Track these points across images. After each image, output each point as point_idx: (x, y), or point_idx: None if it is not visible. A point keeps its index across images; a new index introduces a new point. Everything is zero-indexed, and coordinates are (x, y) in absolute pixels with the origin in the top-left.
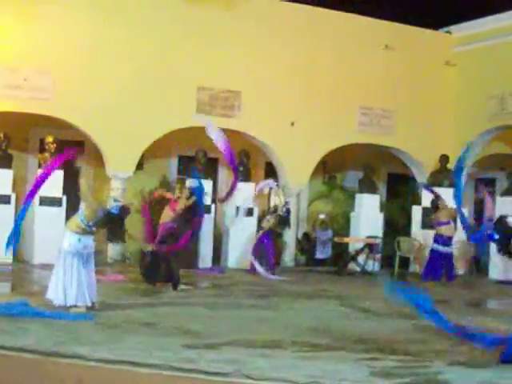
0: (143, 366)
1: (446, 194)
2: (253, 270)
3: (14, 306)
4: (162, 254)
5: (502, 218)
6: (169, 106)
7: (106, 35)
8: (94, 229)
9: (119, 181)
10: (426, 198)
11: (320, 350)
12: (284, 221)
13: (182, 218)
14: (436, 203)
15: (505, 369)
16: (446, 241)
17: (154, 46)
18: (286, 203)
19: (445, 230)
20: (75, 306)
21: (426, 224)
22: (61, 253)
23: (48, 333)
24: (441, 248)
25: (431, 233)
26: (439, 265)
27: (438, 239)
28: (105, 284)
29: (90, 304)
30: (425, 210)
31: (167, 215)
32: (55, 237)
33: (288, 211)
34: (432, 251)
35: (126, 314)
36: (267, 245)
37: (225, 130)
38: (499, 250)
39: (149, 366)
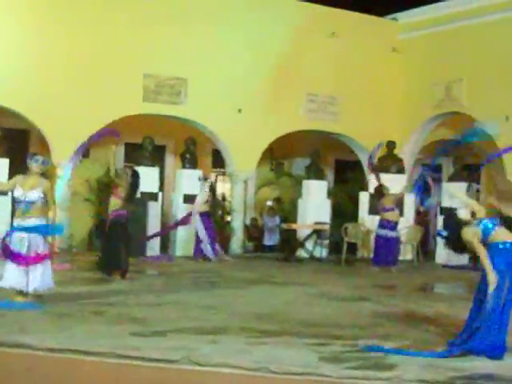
0: (91, 355)
1: (393, 180)
2: (198, 254)
3: None
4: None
5: (452, 213)
6: (115, 92)
7: (50, 20)
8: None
9: (65, 168)
10: (373, 185)
11: (268, 335)
12: (213, 196)
13: (126, 201)
14: (380, 189)
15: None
16: (392, 226)
17: (101, 32)
18: (211, 182)
19: (390, 216)
20: (21, 293)
21: (373, 210)
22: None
23: None
24: (386, 233)
25: (378, 219)
26: (387, 250)
27: (385, 224)
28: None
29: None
30: (372, 195)
31: (116, 203)
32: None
33: (212, 188)
34: (377, 236)
35: (73, 302)
36: (206, 228)
37: (171, 118)
38: (448, 245)
39: (96, 354)
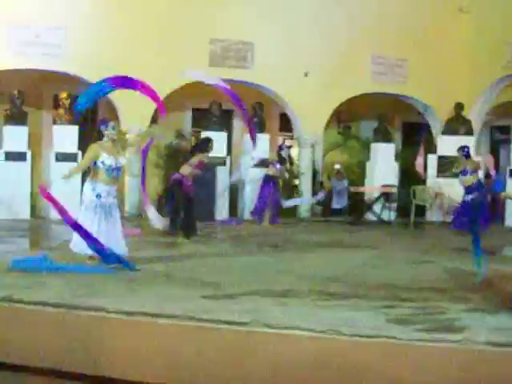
0: (162, 317)
1: (462, 142)
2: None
3: (33, 261)
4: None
5: None
6: (182, 58)
7: None
8: (116, 173)
9: (134, 135)
10: (441, 147)
11: (337, 298)
12: (283, 160)
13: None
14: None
15: None
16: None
17: None
18: (289, 146)
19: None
20: (91, 256)
21: (442, 172)
22: (83, 205)
23: (67, 286)
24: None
25: (446, 181)
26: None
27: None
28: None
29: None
30: (440, 158)
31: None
32: (71, 192)
33: (287, 152)
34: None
35: (144, 266)
36: (266, 192)
37: (238, 82)
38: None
39: (168, 316)
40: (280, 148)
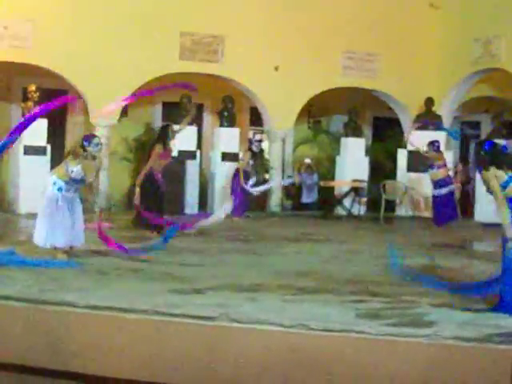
0: (131, 312)
1: (432, 137)
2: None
3: (0, 255)
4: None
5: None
6: (152, 51)
7: None
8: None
9: (104, 128)
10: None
11: (306, 292)
12: (254, 155)
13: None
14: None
15: (487, 309)
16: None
17: None
18: (258, 140)
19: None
20: (55, 249)
21: (411, 167)
22: (45, 197)
23: (35, 280)
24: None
25: (416, 176)
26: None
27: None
28: (91, 231)
29: (68, 247)
30: (410, 153)
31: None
32: (40, 186)
33: (259, 146)
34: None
35: (112, 260)
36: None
37: (209, 76)
38: None
39: (136, 311)
40: (250, 142)
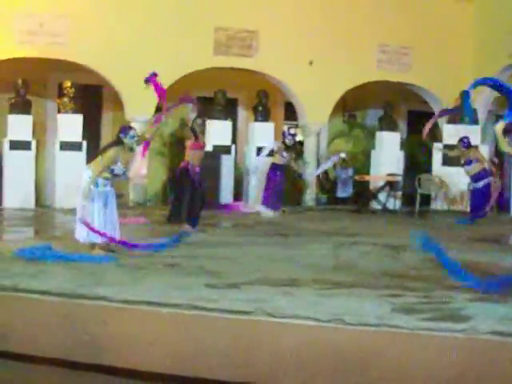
0: (166, 306)
1: (466, 131)
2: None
3: (37, 250)
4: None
5: None
6: (186, 47)
7: None
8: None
9: (138, 124)
10: (447, 136)
11: (342, 287)
12: (288, 148)
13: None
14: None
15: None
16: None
17: None
18: (293, 134)
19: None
20: (95, 244)
21: (447, 161)
22: (81, 192)
23: (71, 275)
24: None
25: (452, 170)
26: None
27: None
28: (126, 226)
29: (105, 242)
30: (445, 147)
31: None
32: (76, 181)
33: (294, 140)
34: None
35: (147, 255)
36: (272, 181)
37: (243, 71)
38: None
39: (172, 306)
40: (284, 136)
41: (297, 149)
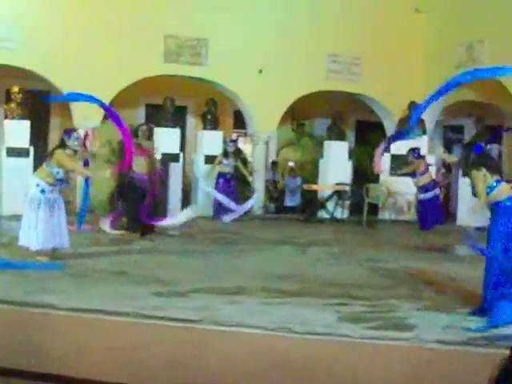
0: (113, 315)
1: (415, 141)
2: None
3: None
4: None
5: None
6: (136, 54)
7: None
8: (60, 184)
9: (87, 131)
10: (394, 146)
11: (289, 295)
12: (227, 155)
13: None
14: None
15: (469, 313)
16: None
17: None
18: (234, 140)
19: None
20: (39, 252)
21: (395, 171)
22: (28, 199)
23: (17, 283)
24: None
25: (399, 180)
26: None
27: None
28: (73, 233)
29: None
30: (393, 157)
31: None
32: (23, 188)
33: (235, 146)
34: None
35: (94, 262)
36: (218, 189)
37: (193, 78)
38: None
39: (118, 314)
40: (225, 143)
41: (241, 155)
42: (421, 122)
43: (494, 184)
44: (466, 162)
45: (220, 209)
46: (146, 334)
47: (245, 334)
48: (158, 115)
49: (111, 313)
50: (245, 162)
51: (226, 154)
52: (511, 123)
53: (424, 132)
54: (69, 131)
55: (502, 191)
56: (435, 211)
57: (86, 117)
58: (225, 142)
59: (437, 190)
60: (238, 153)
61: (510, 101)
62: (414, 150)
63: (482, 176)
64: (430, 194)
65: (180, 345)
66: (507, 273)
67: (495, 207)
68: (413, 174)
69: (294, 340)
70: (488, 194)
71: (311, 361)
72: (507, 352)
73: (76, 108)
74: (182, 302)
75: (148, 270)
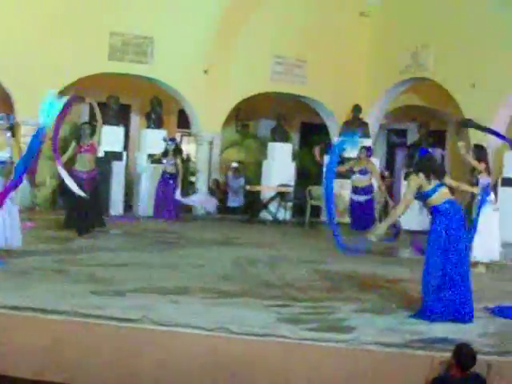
0: (51, 313)
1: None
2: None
3: None
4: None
5: None
6: (81, 50)
7: None
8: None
9: (30, 127)
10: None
11: (229, 296)
12: (167, 154)
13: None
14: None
15: (408, 316)
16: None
17: None
18: (172, 139)
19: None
20: None
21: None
22: None
23: None
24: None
25: (342, 182)
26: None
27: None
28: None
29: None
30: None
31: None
32: None
33: (175, 144)
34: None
35: (34, 260)
36: (158, 188)
37: (137, 77)
38: None
39: (58, 312)
40: (165, 141)
41: (180, 154)
42: (365, 125)
43: (435, 187)
44: (410, 162)
45: (161, 208)
46: (84, 333)
47: (183, 334)
48: (102, 113)
49: (49, 311)
50: (184, 161)
51: (166, 153)
52: (453, 129)
53: (367, 135)
54: None
55: (442, 195)
56: (368, 215)
57: (28, 112)
58: (165, 140)
59: (373, 195)
60: (179, 152)
61: (453, 106)
62: (368, 149)
63: (415, 183)
64: (364, 198)
65: (118, 344)
66: (445, 275)
67: (434, 211)
68: (360, 171)
69: (231, 340)
70: (429, 197)
71: (248, 361)
72: (444, 355)
73: (18, 103)
74: (121, 301)
75: (88, 268)
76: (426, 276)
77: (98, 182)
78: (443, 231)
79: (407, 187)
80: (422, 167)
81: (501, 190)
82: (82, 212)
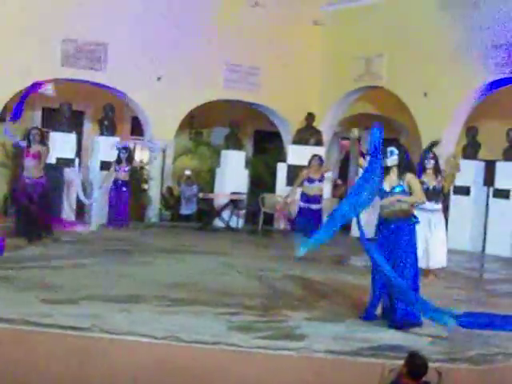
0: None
1: (312, 152)
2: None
3: None
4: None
5: None
6: (33, 57)
7: None
8: None
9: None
10: (291, 156)
11: (180, 304)
12: (120, 162)
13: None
14: None
15: (358, 323)
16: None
17: None
18: (125, 147)
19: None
20: None
21: (291, 181)
22: None
23: None
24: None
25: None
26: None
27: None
28: None
29: None
30: (290, 167)
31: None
32: None
33: (127, 151)
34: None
35: None
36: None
37: (91, 83)
38: None
39: (5, 320)
40: (117, 149)
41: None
42: (318, 134)
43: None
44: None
45: (114, 215)
46: (32, 342)
47: (133, 342)
48: (54, 119)
49: None
50: (136, 169)
51: (119, 160)
52: (406, 137)
53: (321, 143)
54: None
55: None
56: (314, 224)
57: None
58: (117, 148)
59: (321, 205)
60: (131, 159)
61: (406, 115)
62: (320, 157)
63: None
64: (315, 206)
65: (68, 352)
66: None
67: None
68: (309, 180)
69: (181, 349)
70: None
71: (197, 370)
72: (395, 362)
73: None
74: (71, 309)
75: (37, 276)
76: (403, 284)
77: (47, 189)
78: (385, 239)
79: (415, 185)
80: (412, 167)
81: (492, 200)
82: (30, 219)
